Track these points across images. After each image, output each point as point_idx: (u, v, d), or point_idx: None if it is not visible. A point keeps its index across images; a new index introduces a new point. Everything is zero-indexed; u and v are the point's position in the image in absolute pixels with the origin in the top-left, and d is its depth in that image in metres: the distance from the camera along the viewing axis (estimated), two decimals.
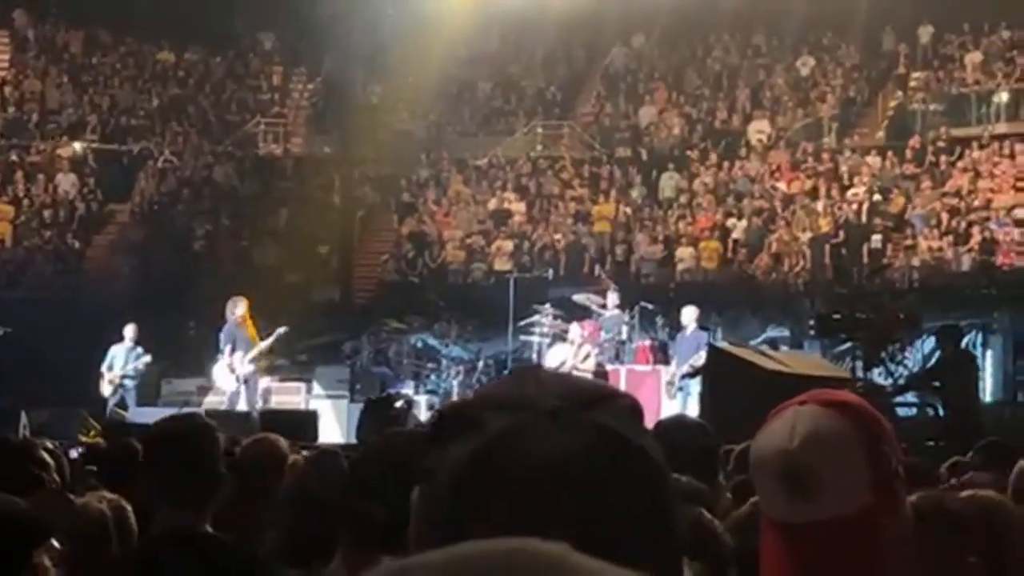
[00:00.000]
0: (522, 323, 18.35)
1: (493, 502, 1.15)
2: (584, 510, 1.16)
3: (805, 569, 1.89)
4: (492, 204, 25.45)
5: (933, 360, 14.97)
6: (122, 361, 17.60)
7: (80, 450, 9.74)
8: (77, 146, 26.19)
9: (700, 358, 15.21)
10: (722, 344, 14.77)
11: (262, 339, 17.10)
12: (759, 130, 25.65)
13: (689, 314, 16.93)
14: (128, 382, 17.65)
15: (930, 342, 15.35)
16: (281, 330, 17.19)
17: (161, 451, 3.77)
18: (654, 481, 1.22)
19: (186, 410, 16.01)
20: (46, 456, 5.54)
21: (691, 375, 15.93)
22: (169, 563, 3.48)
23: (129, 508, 4.32)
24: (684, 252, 22.81)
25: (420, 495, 1.23)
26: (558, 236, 23.92)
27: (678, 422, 5.66)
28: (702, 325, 17.16)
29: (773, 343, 17.72)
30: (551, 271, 22.02)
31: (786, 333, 19.18)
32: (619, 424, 1.22)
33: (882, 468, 1.96)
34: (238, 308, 16.98)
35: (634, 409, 1.27)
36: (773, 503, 1.95)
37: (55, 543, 2.95)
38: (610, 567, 0.81)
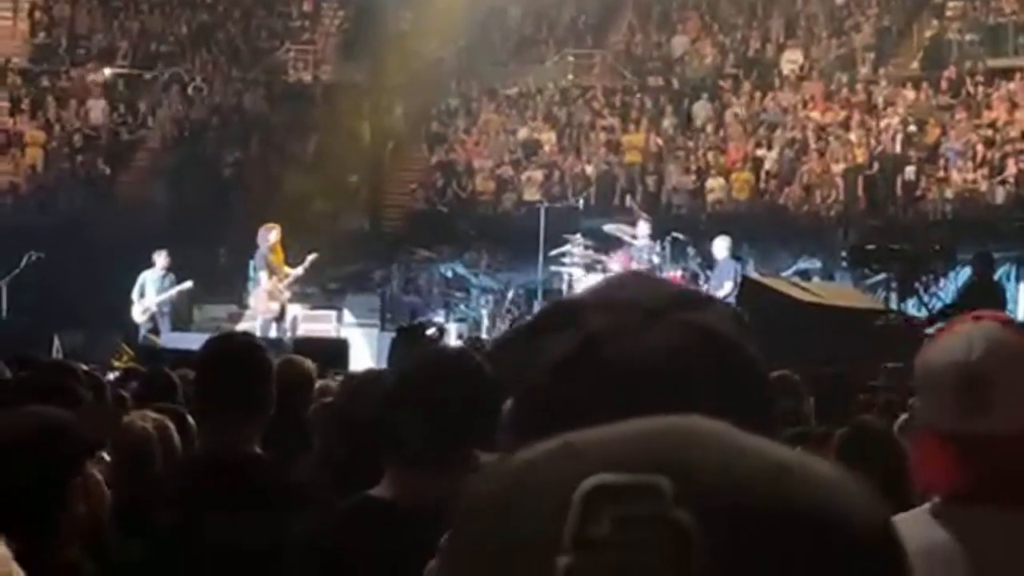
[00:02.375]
0: (552, 253, 18.31)
1: (595, 395, 1.13)
2: (686, 406, 1.17)
3: (977, 480, 1.92)
4: (522, 133, 25.33)
5: (963, 287, 14.89)
6: (154, 287, 17.68)
7: (115, 374, 9.79)
8: (107, 72, 26.17)
9: (732, 288, 15.17)
10: (754, 275, 14.72)
11: (291, 267, 17.14)
12: (792, 60, 25.39)
13: (720, 244, 16.85)
14: (162, 308, 17.75)
15: (964, 272, 15.24)
16: (312, 256, 17.22)
17: (212, 370, 3.75)
18: (756, 382, 1.21)
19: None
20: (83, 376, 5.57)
21: None
22: (213, 482, 3.48)
23: (172, 427, 4.33)
24: (715, 183, 22.69)
25: (516, 390, 1.22)
26: (589, 166, 23.82)
27: None
28: (734, 255, 17.10)
29: (805, 274, 17.65)
30: (581, 201, 21.93)
31: (818, 264, 19.09)
32: (722, 325, 1.20)
33: None
34: (271, 235, 17.01)
35: (737, 315, 1.26)
36: (945, 415, 1.96)
37: (105, 456, 2.96)
38: (772, 444, 0.79)
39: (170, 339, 16.70)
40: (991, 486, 1.92)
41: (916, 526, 1.93)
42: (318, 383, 6.38)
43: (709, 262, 17.42)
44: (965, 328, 2.04)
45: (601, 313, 1.21)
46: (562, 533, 0.70)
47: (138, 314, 17.59)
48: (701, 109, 24.76)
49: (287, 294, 17.02)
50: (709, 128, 24.23)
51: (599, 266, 17.46)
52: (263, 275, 17.00)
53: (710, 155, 23.47)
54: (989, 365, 1.95)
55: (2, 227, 20.69)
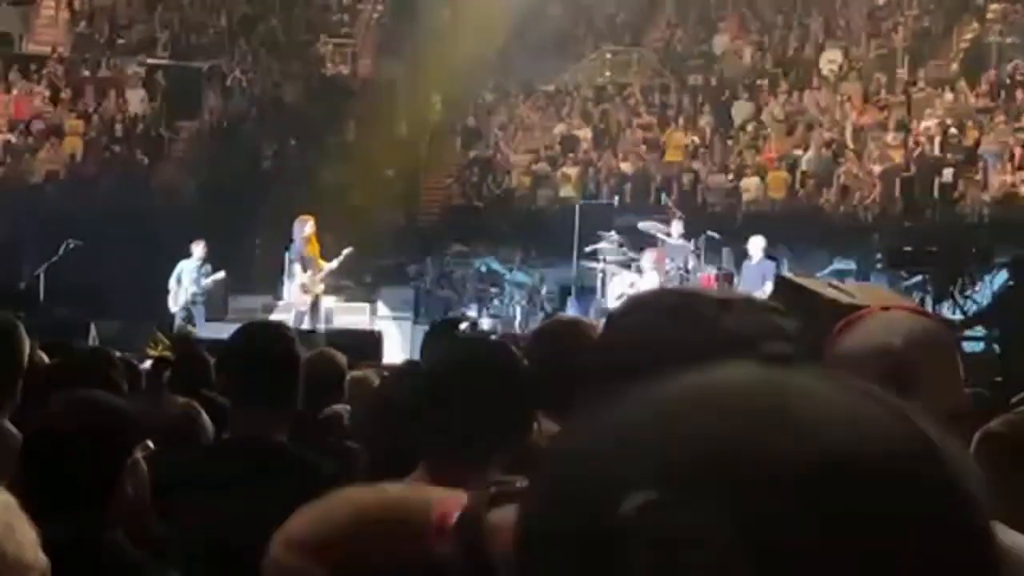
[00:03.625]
0: (587, 249, 18.31)
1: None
2: None
3: None
4: (559, 130, 25.33)
5: (999, 290, 14.79)
6: (190, 277, 17.79)
7: (150, 362, 9.85)
8: (147, 62, 26.31)
9: (766, 289, 15.13)
10: (789, 275, 14.65)
11: (326, 259, 17.21)
12: (831, 60, 25.29)
13: (756, 244, 16.82)
14: (198, 298, 17.86)
15: (1001, 276, 15.15)
16: (348, 251, 17.29)
17: (239, 359, 3.79)
18: None
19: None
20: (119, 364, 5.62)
21: None
22: (238, 470, 3.52)
23: (203, 414, 4.37)
24: (751, 182, 22.62)
25: None
26: (625, 163, 23.80)
27: None
28: (768, 255, 17.05)
29: (840, 275, 17.58)
30: (616, 198, 21.93)
31: (853, 266, 19.00)
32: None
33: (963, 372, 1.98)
34: (306, 227, 17.08)
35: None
36: None
37: (149, 443, 3.00)
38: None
39: (205, 329, 16.79)
40: None
41: None
42: (354, 374, 6.41)
43: (743, 261, 17.38)
44: (878, 316, 2.00)
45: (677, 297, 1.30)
46: None
47: (173, 303, 17.71)
48: (739, 108, 24.70)
49: (321, 287, 17.11)
50: (749, 128, 24.16)
51: (632, 264, 17.47)
52: (297, 267, 17.08)
53: (746, 154, 23.41)
54: (912, 351, 1.91)
55: (41, 215, 20.87)
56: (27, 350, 4.02)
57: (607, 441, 0.77)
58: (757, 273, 16.41)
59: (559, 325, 3.97)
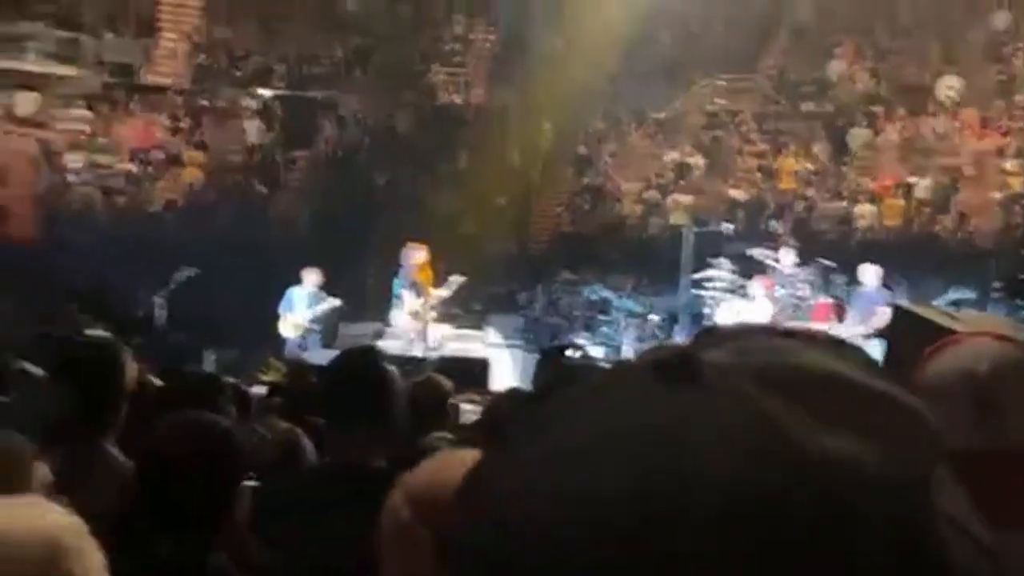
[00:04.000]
0: (696, 277, 18.21)
1: None
2: None
3: (982, 499, 1.86)
4: (670, 157, 25.26)
5: None
6: (304, 304, 17.99)
7: (262, 389, 9.99)
8: (264, 93, 26.78)
9: (880, 317, 14.91)
10: (905, 303, 14.42)
11: (436, 287, 17.31)
12: (949, 86, 24.90)
13: (869, 272, 16.58)
14: (314, 326, 18.05)
15: None
16: (458, 279, 17.37)
17: (337, 384, 3.83)
18: None
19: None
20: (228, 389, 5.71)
21: (871, 336, 15.62)
22: (337, 493, 3.54)
23: (304, 438, 4.42)
24: (865, 209, 22.35)
25: None
26: (736, 191, 23.65)
27: None
28: (884, 284, 16.80)
29: (956, 304, 17.27)
30: (728, 226, 21.79)
31: (970, 295, 18.65)
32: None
33: None
34: (417, 255, 17.21)
35: (868, 359, 1.24)
36: (955, 429, 1.92)
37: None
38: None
39: (318, 356, 16.96)
40: (1003, 507, 1.87)
41: None
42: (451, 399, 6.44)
43: (856, 289, 17.14)
44: (968, 343, 2.00)
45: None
46: None
47: (286, 329, 17.92)
48: (855, 135, 24.43)
49: (432, 314, 17.21)
50: (861, 154, 23.89)
51: (742, 291, 17.33)
52: (407, 294, 17.20)
53: (861, 181, 23.14)
54: (999, 380, 1.91)
55: (160, 244, 21.29)
56: (134, 375, 4.10)
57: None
58: (870, 301, 16.17)
59: None
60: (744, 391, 0.69)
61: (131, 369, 4.06)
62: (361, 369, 3.77)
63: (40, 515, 2.07)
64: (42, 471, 3.00)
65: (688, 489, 0.66)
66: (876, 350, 14.74)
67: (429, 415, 5.59)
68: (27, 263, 19.76)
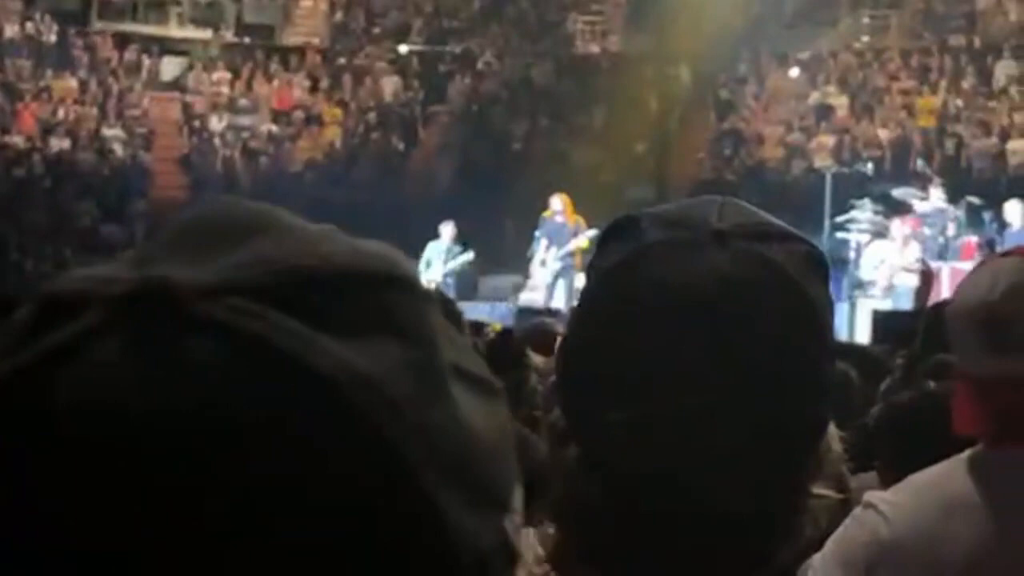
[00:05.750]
0: (839, 219, 17.78)
1: (636, 308, 1.12)
2: (729, 335, 1.09)
3: (999, 423, 1.80)
4: (813, 98, 24.71)
5: None
6: (440, 259, 18.06)
7: None
8: (402, 48, 26.88)
9: None
10: None
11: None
12: None
13: (1015, 209, 16.00)
14: (448, 279, 18.13)
15: None
16: (591, 232, 17.26)
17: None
18: (809, 328, 1.13)
19: (500, 306, 16.47)
20: None
21: None
22: None
23: None
24: (1017, 144, 21.59)
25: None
26: (883, 130, 23.05)
27: None
28: None
29: None
30: (871, 166, 21.20)
31: None
32: (789, 264, 1.13)
33: None
34: (556, 205, 17.25)
35: (815, 259, 1.18)
36: (969, 355, 1.87)
37: None
38: None
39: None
40: (1015, 428, 1.78)
41: (945, 473, 1.86)
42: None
43: (1005, 229, 16.58)
44: (989, 265, 1.93)
45: (662, 228, 1.17)
46: None
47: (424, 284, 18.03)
48: (1004, 68, 23.59)
49: (558, 264, 17.15)
50: (1012, 89, 23.06)
51: (886, 232, 16.87)
52: (543, 244, 17.22)
53: (1014, 116, 22.35)
54: (1011, 303, 1.82)
55: (302, 201, 21.51)
56: None
57: None
58: (1017, 239, 15.59)
59: None
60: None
61: None
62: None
63: None
64: None
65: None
66: None
67: (529, 361, 5.51)
68: None
